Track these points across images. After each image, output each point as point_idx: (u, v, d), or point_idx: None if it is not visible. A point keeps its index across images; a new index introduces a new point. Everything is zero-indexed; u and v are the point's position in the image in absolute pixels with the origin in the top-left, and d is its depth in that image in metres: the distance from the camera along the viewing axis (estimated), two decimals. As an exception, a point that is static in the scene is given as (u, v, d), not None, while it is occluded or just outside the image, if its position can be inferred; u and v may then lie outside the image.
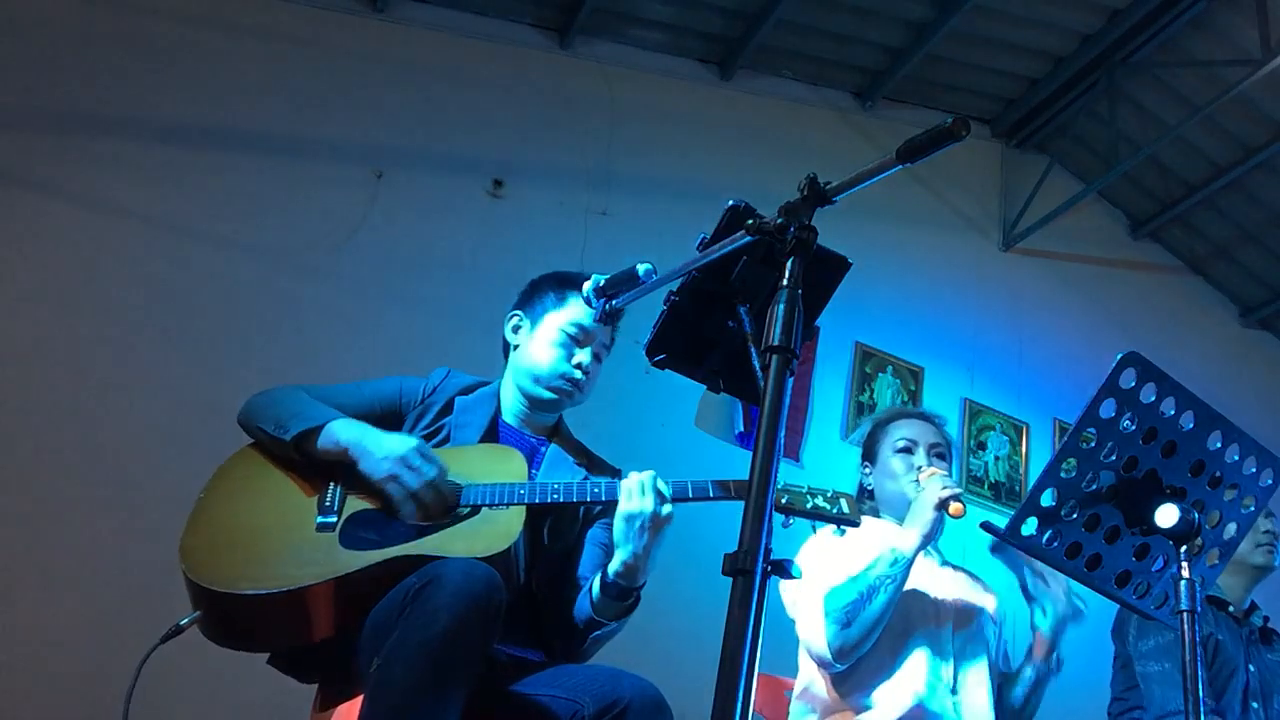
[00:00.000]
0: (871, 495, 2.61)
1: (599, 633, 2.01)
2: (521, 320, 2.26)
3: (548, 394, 2.17)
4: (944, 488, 2.30)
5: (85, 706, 3.19)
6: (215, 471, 2.03)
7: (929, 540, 2.31)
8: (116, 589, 3.39)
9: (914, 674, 2.31)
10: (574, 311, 2.20)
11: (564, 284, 2.24)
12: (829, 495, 2.04)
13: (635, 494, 1.93)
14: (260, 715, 3.26)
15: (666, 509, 1.93)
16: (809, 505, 2.01)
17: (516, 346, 2.25)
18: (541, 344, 2.19)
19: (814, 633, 2.29)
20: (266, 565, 1.85)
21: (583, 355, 2.19)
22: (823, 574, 2.35)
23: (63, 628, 3.34)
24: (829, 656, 2.26)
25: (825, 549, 2.41)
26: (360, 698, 1.69)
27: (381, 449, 1.92)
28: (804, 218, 1.29)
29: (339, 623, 1.85)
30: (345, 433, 1.95)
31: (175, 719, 3.31)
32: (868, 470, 2.63)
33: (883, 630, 2.28)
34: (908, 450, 2.54)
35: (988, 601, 2.54)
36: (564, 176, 4.80)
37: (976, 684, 2.37)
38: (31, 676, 3.28)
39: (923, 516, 2.29)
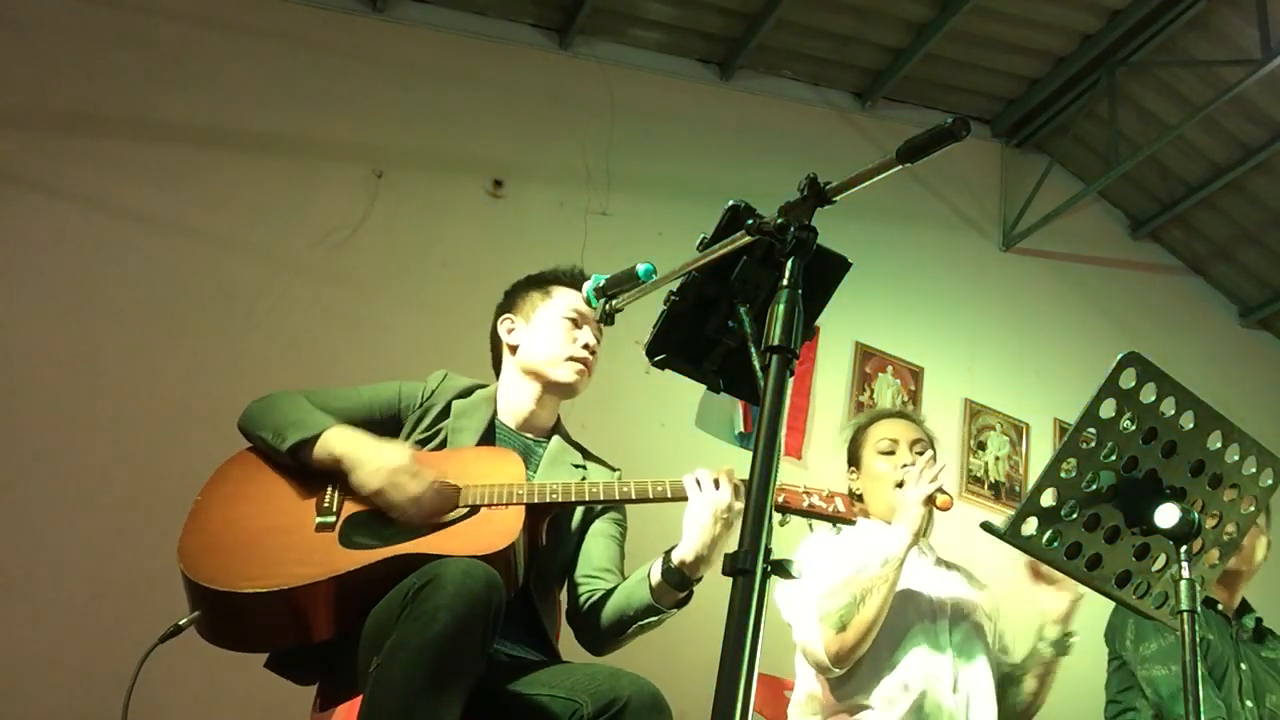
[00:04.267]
0: (861, 499, 2.61)
1: (649, 620, 2.02)
2: (513, 321, 2.30)
3: (568, 377, 2.21)
4: (929, 481, 2.31)
5: (84, 706, 3.19)
6: (212, 474, 2.04)
7: (918, 537, 2.31)
8: (116, 590, 3.39)
9: (913, 674, 2.31)
10: (564, 298, 2.27)
11: (543, 281, 2.33)
12: (825, 494, 2.06)
13: (711, 486, 1.96)
14: (259, 716, 3.26)
15: (740, 504, 1.94)
16: (805, 504, 2.02)
17: (515, 346, 2.27)
18: (544, 333, 2.25)
19: (810, 639, 2.28)
20: (266, 565, 1.86)
21: (585, 335, 2.25)
22: (814, 579, 2.34)
23: (61, 628, 3.34)
24: (827, 662, 2.25)
25: (817, 552, 2.41)
26: (360, 698, 1.69)
27: (373, 461, 1.93)
28: (804, 218, 1.29)
29: (338, 623, 1.85)
30: (340, 444, 1.97)
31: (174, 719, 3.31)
32: (854, 475, 2.63)
33: (881, 631, 2.28)
34: (890, 452, 2.55)
35: (982, 598, 2.54)
36: (564, 176, 4.80)
37: (976, 682, 2.37)
38: (30, 676, 3.28)
39: (909, 514, 2.30)
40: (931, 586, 2.46)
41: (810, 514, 2.03)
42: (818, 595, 2.30)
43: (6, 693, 3.23)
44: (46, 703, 3.26)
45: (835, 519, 2.05)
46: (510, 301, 2.35)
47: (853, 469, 2.64)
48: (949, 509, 2.31)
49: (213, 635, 1.90)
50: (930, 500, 2.30)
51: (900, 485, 2.43)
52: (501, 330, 2.32)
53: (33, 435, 3.54)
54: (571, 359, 2.22)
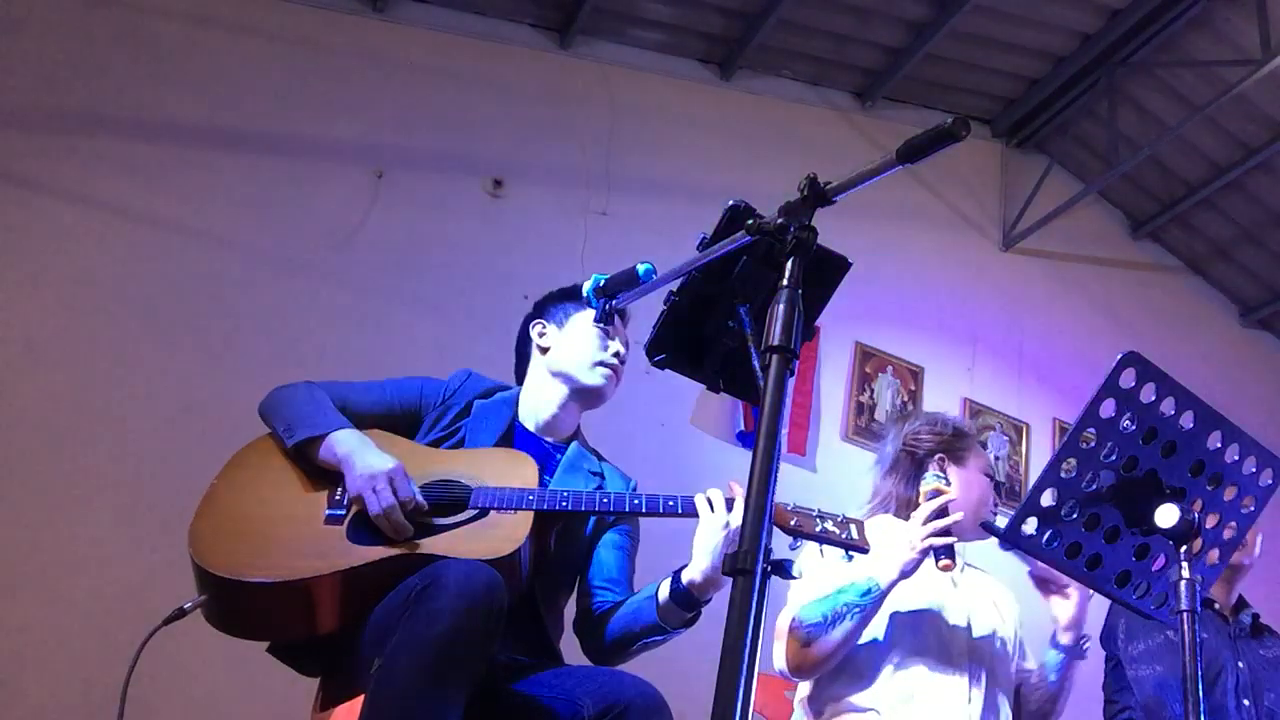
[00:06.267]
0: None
1: (654, 639, 2.02)
2: (545, 326, 2.32)
3: (597, 380, 2.22)
4: (936, 533, 2.13)
5: (84, 705, 3.19)
6: (230, 459, 2.05)
7: (907, 576, 2.17)
8: (115, 588, 3.39)
9: (922, 680, 2.26)
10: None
11: (577, 293, 2.31)
12: (839, 520, 2.00)
13: (722, 506, 1.96)
14: (260, 705, 3.27)
15: None
16: (817, 529, 1.98)
17: (546, 349, 2.28)
18: (576, 338, 2.26)
19: (777, 644, 2.26)
20: (273, 555, 1.87)
21: (617, 345, 2.27)
22: (809, 583, 2.27)
23: (61, 626, 3.34)
24: (787, 670, 2.24)
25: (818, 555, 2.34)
26: (361, 698, 1.70)
27: (361, 466, 1.93)
28: (804, 218, 1.29)
29: (342, 616, 1.86)
30: (342, 446, 1.98)
31: (174, 710, 3.31)
32: (939, 473, 2.40)
33: (893, 638, 2.25)
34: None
35: (1005, 602, 2.48)
36: (564, 176, 4.80)
37: (995, 693, 2.32)
38: (32, 662, 3.28)
39: (906, 557, 2.14)
40: (952, 593, 2.38)
41: (823, 540, 1.97)
42: (800, 603, 2.24)
43: (6, 690, 3.23)
44: (46, 701, 3.26)
45: (849, 547, 1.98)
46: (542, 309, 2.37)
47: (940, 461, 2.37)
48: (950, 572, 2.21)
49: (217, 621, 1.91)
50: (935, 556, 2.14)
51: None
52: (533, 333, 2.33)
53: (33, 434, 3.54)
54: (602, 364, 2.24)
